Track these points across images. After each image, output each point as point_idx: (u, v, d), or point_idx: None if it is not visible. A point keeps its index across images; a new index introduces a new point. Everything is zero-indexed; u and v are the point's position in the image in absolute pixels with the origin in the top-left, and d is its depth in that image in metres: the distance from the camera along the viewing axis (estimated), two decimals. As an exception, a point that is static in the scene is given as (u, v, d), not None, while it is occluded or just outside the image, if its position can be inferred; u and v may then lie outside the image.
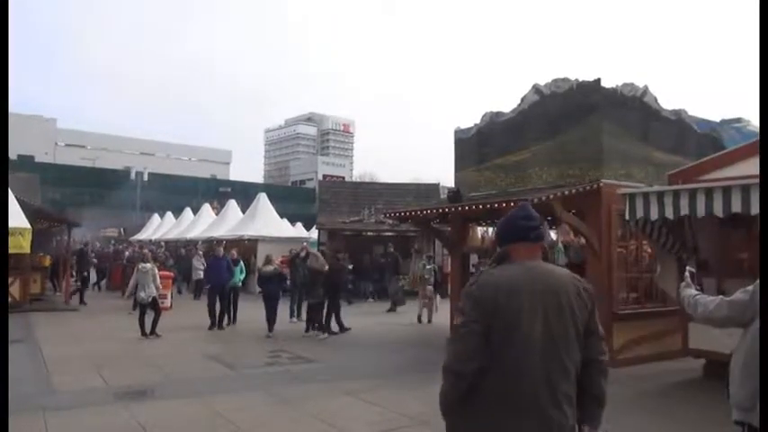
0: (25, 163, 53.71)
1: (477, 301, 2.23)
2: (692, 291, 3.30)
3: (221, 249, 13.41)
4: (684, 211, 6.39)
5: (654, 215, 6.61)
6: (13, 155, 55.33)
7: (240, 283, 13.17)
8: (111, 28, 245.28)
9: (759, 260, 2.82)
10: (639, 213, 6.76)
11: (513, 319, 2.18)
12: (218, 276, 12.51)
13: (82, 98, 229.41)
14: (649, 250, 9.07)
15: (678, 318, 8.65)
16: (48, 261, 17.33)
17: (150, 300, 11.06)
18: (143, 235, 37.10)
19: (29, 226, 7.99)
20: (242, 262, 13.74)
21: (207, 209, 31.83)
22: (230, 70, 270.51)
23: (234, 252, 13.74)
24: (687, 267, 3.67)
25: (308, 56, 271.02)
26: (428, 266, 13.25)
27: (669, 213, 6.44)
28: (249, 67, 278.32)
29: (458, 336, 2.27)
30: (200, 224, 29.36)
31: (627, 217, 6.93)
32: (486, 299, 2.21)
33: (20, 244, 7.44)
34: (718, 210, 6.12)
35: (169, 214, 37.22)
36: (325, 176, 78.77)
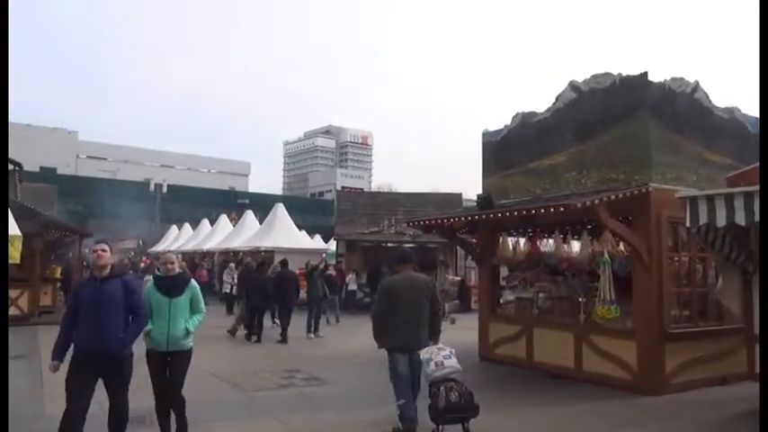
0: (47, 175, 54.10)
1: (383, 288, 5.98)
2: None
3: (102, 255, 4.88)
4: (757, 216, 5.52)
5: (721, 221, 5.75)
6: (35, 167, 55.90)
7: (190, 342, 5.47)
8: (132, 44, 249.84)
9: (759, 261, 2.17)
10: (703, 219, 5.90)
11: (397, 295, 5.77)
12: (88, 330, 4.77)
13: (104, 112, 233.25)
14: (700, 262, 8.22)
15: (739, 338, 7.75)
16: (59, 272, 16.86)
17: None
18: (161, 246, 36.90)
19: (19, 233, 7.40)
20: (194, 283, 5.59)
21: (224, 220, 31.53)
22: (250, 84, 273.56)
23: (172, 265, 5.52)
24: None
25: (325, 68, 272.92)
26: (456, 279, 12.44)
27: (740, 219, 5.57)
28: (268, 81, 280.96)
29: (376, 304, 6.05)
30: (218, 235, 29.00)
31: (688, 224, 6.07)
32: (387, 288, 5.92)
33: (9, 254, 6.83)
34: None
35: (187, 226, 37.05)
36: (343, 188, 78.22)
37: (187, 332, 5.32)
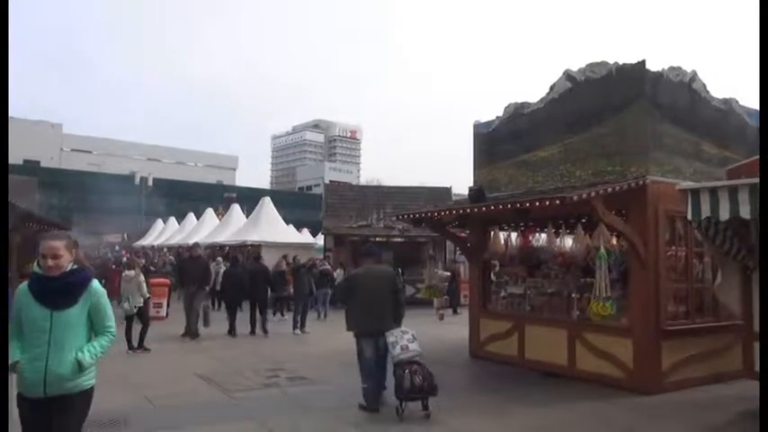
0: (30, 168, 53.07)
1: (348, 279, 7.56)
2: None
3: None
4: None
5: (724, 214, 5.50)
6: (18, 160, 54.78)
7: (89, 380, 3.38)
8: (118, 36, 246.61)
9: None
10: (705, 213, 5.64)
11: (360, 284, 6.70)
12: None
13: (89, 104, 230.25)
14: (696, 257, 8.00)
15: (734, 334, 7.56)
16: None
17: (136, 310, 10.05)
18: (146, 240, 36.44)
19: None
20: (96, 287, 3.42)
21: (210, 214, 31.11)
22: (238, 78, 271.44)
23: (55, 260, 3.30)
24: None
25: (316, 62, 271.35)
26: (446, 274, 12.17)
27: (745, 212, 5.32)
28: (258, 75, 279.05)
29: (342, 286, 8.10)
30: (204, 229, 28.55)
31: (689, 217, 5.81)
32: (352, 278, 7.04)
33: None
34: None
35: (172, 219, 36.56)
36: (331, 182, 77.65)
37: (79, 367, 3.25)
